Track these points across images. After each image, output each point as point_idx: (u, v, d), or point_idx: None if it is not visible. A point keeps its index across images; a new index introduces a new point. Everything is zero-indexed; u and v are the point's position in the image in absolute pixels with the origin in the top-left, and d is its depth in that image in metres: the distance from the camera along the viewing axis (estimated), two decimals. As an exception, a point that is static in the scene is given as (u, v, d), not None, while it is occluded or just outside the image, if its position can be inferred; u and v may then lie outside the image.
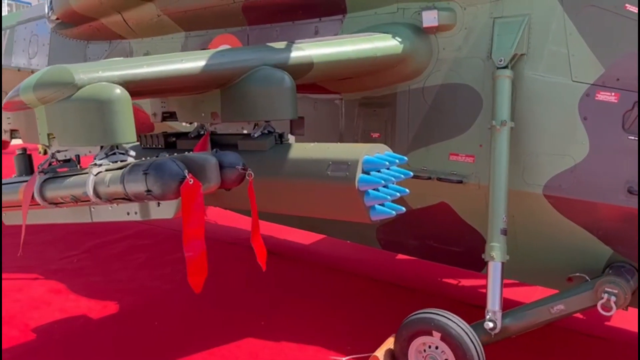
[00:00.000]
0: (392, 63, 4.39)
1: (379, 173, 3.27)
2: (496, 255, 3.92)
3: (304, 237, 7.16)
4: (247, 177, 2.97)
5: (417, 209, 4.83)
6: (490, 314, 3.92)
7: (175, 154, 2.90)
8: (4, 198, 3.35)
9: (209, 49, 5.64)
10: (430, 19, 4.34)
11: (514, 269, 4.41)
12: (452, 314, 3.88)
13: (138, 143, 4.40)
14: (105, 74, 2.96)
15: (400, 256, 6.45)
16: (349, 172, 3.19)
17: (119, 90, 2.90)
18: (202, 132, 4.11)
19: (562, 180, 3.93)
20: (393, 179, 3.29)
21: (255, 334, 4.78)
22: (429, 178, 4.52)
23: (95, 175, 2.90)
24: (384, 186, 3.32)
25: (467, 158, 4.35)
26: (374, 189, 3.22)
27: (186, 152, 3.02)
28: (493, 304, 3.92)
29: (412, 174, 3.53)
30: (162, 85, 3.28)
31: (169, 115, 4.28)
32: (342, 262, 6.65)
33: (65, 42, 7.88)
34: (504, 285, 3.95)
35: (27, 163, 3.51)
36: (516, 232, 4.35)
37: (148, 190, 2.65)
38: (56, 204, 3.13)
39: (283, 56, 3.74)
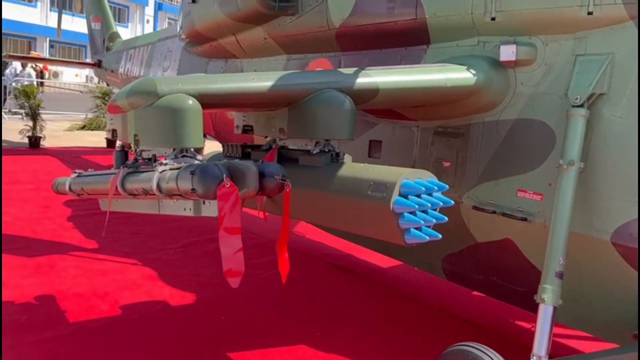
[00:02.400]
0: (465, 94, 4.48)
1: (417, 198, 3.41)
2: (547, 298, 3.81)
3: (382, 260, 7.31)
4: (285, 187, 3.29)
5: (482, 242, 4.81)
6: (535, 357, 3.80)
7: (225, 160, 3.32)
8: (98, 187, 4.04)
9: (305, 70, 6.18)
10: (507, 53, 4.38)
11: (575, 316, 4.21)
12: (494, 351, 3.83)
13: (221, 151, 4.98)
14: (184, 86, 3.50)
15: (475, 293, 6.34)
16: (386, 194, 3.38)
17: (191, 101, 3.42)
18: (272, 146, 4.54)
19: (633, 229, 3.73)
20: (430, 205, 3.40)
21: (308, 342, 5.06)
22: (494, 212, 4.50)
23: (160, 172, 3.42)
24: (424, 211, 3.45)
25: (535, 196, 4.28)
26: (410, 213, 3.37)
27: (235, 160, 3.44)
28: (539, 348, 3.80)
29: (452, 202, 3.61)
30: (233, 100, 3.76)
31: (250, 129, 4.79)
32: (409, 287, 6.71)
33: (191, 58, 8.98)
34: (556, 330, 3.82)
35: (123, 158, 4.19)
36: (581, 278, 4.16)
37: (193, 189, 3.09)
38: (133, 195, 3.72)
39: (348, 81, 4.05)
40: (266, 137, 4.86)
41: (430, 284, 6.67)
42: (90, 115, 21.97)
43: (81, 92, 30.99)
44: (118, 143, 4.25)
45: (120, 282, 6.21)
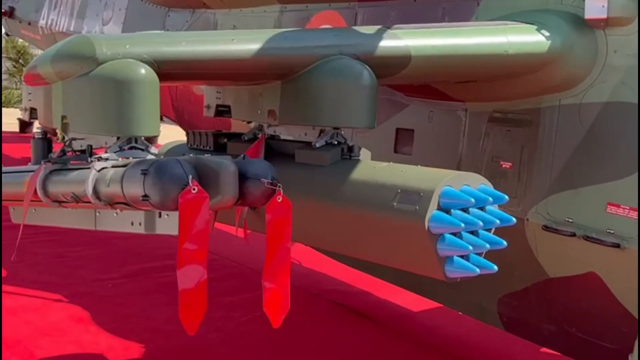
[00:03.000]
0: (534, 66, 4.52)
1: (463, 213, 3.44)
2: (648, 359, 3.85)
3: (412, 301, 7.34)
4: (275, 194, 3.33)
5: (556, 278, 4.84)
6: None
7: (191, 155, 3.36)
8: (9, 189, 4.08)
9: (307, 28, 6.23)
10: (596, 7, 4.41)
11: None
12: None
13: (184, 142, 5.02)
14: (133, 49, 3.54)
15: (545, 350, 6.37)
16: (419, 206, 3.41)
17: (144, 70, 3.46)
18: (258, 135, 4.59)
19: None
20: (483, 223, 3.44)
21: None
22: (574, 235, 4.54)
23: (98, 171, 3.46)
24: (473, 233, 3.48)
25: (632, 212, 4.30)
26: (453, 234, 3.41)
27: (206, 155, 3.48)
28: None
29: (514, 220, 3.64)
30: (203, 70, 3.80)
31: (226, 110, 4.84)
32: (450, 340, 6.72)
33: (144, 7, 9.04)
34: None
35: (45, 149, 4.24)
36: (697, 331, 4.19)
37: (145, 195, 3.13)
38: (59, 202, 3.76)
39: (368, 44, 4.08)
40: (249, 122, 4.89)
41: (481, 335, 6.68)
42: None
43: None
44: (37, 127, 4.30)
45: (37, 326, 6.23)
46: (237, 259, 8.13)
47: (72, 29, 11.62)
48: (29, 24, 14.16)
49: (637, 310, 4.40)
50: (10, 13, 15.08)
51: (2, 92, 21.59)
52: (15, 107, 20.54)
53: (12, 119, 17.79)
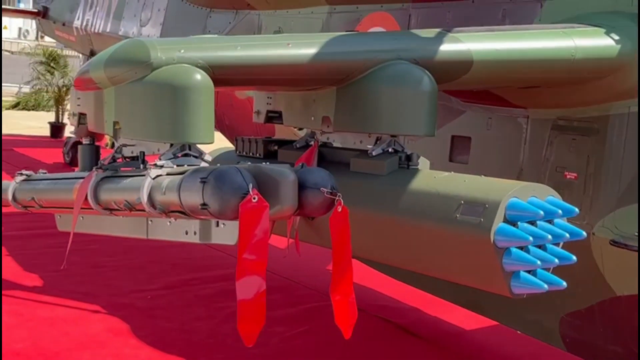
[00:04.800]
0: (603, 71, 4.54)
1: (531, 226, 3.47)
2: None
3: (465, 319, 7.33)
4: (335, 204, 3.40)
5: (624, 296, 4.82)
6: None
7: (249, 163, 3.45)
8: (57, 196, 4.22)
9: (357, 30, 6.31)
10: (670, 8, 4.42)
11: None
12: None
13: (232, 149, 5.13)
14: (188, 53, 3.65)
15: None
16: (484, 218, 3.45)
17: (199, 75, 3.56)
18: (310, 142, 4.67)
19: None
20: (552, 237, 3.46)
21: None
22: (643, 250, 4.52)
23: (153, 178, 3.57)
24: (540, 247, 3.51)
25: None
26: (520, 248, 3.44)
27: (264, 163, 3.56)
28: None
29: (584, 234, 3.65)
30: (259, 75, 3.90)
31: (277, 116, 4.93)
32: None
33: (185, 8, 9.21)
34: None
35: (93, 156, 4.37)
36: None
37: (204, 204, 3.22)
38: (111, 210, 3.88)
39: (427, 48, 4.15)
40: (301, 128, 4.97)
41: (541, 357, 6.64)
42: (26, 89, 22.56)
43: (11, 52, 31.82)
44: (70, 132, 4.39)
45: (75, 338, 6.35)
46: (280, 271, 8.19)
47: (108, 30, 11.88)
48: (64, 24, 14.49)
49: None
50: (44, 13, 15.44)
51: (33, 95, 22.03)
52: (47, 110, 20.86)
53: (43, 123, 18.16)
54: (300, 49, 3.94)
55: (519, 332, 5.92)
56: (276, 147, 4.89)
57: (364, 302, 7.88)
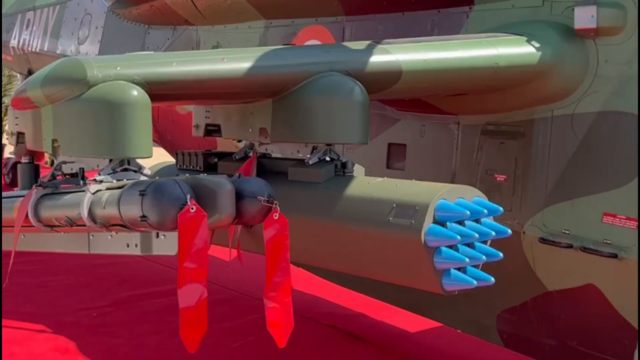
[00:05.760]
0: (525, 77, 4.76)
1: (459, 225, 3.66)
2: (651, 369, 4.05)
3: (409, 321, 7.50)
4: (272, 211, 3.53)
5: (555, 291, 5.04)
6: None
7: (187, 175, 3.56)
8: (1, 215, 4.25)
9: (293, 43, 6.46)
10: (585, 17, 4.66)
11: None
12: None
13: (173, 162, 5.22)
14: (125, 70, 3.74)
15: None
16: (415, 220, 3.62)
17: (136, 92, 3.66)
18: (249, 154, 4.79)
19: None
20: (478, 235, 3.65)
21: None
22: (571, 247, 4.75)
23: (93, 193, 3.65)
24: (469, 245, 3.70)
25: (628, 222, 4.53)
26: (449, 247, 3.62)
27: (202, 174, 3.68)
28: None
29: (509, 231, 3.85)
30: (195, 90, 4.01)
31: (216, 129, 5.04)
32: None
33: (122, 25, 9.23)
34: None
35: (32, 174, 4.42)
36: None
37: (143, 216, 3.32)
38: (52, 226, 3.93)
39: (359, 60, 4.31)
40: (239, 140, 5.09)
41: (481, 354, 6.84)
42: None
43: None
44: (9, 152, 4.43)
45: (22, 358, 6.32)
46: (225, 283, 8.25)
47: (45, 48, 11.78)
48: (-1, 44, 14.25)
49: (637, 321, 4.62)
50: (-22, 33, 15.16)
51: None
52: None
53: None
54: (235, 63, 4.07)
55: (459, 331, 6.10)
56: (216, 160, 4.99)
57: (310, 310, 8.02)
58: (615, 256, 4.53)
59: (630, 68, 4.58)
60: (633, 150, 4.52)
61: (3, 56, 14.45)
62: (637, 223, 4.49)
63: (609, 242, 4.57)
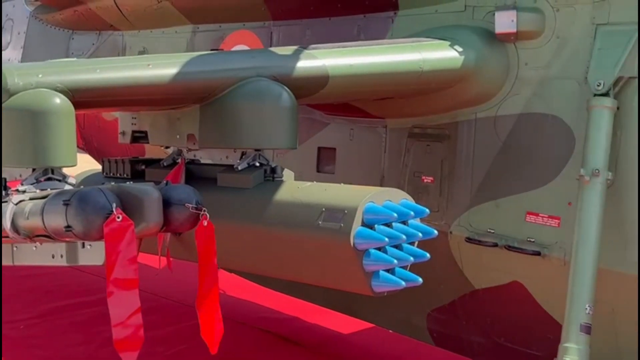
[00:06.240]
0: (449, 81, 4.87)
1: (387, 228, 3.72)
2: (571, 361, 4.19)
3: (342, 323, 7.57)
4: (200, 218, 3.52)
5: (481, 289, 5.17)
6: None
7: (113, 183, 3.52)
8: None
9: (221, 48, 6.45)
10: (505, 22, 4.79)
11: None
12: None
13: (99, 170, 5.14)
14: (47, 78, 3.67)
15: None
16: (344, 224, 3.66)
17: (58, 99, 3.59)
18: (177, 160, 4.76)
19: None
20: (406, 237, 3.72)
21: None
22: (496, 245, 4.88)
23: (16, 204, 3.56)
24: (396, 247, 3.76)
25: (550, 220, 4.68)
26: (377, 249, 3.67)
27: (128, 182, 3.64)
28: None
29: (435, 232, 3.94)
30: (120, 96, 3.96)
31: (143, 136, 4.99)
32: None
33: (46, 30, 9.01)
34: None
35: None
36: (617, 334, 4.57)
37: (68, 226, 3.26)
38: None
39: (286, 65, 4.33)
40: (167, 147, 5.05)
41: (412, 353, 6.96)
42: None
43: None
44: None
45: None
46: (157, 291, 8.17)
47: (-35, 55, 11.41)
48: None
49: (561, 317, 4.77)
50: None
51: None
52: None
53: None
54: (161, 69, 4.03)
55: (391, 331, 6.19)
56: (143, 167, 4.94)
57: (243, 315, 8.02)
58: (538, 254, 4.67)
59: (549, 70, 4.73)
60: (553, 151, 4.67)
61: None
62: (559, 222, 4.64)
63: (532, 240, 4.71)
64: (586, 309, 4.23)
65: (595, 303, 4.25)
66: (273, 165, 4.41)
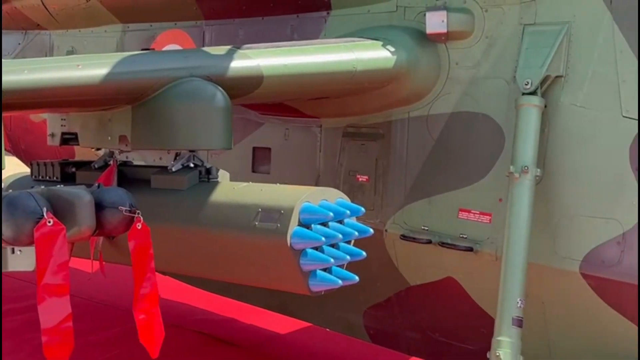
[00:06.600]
0: (381, 81, 4.92)
1: (323, 227, 3.74)
2: (504, 354, 4.28)
3: (279, 323, 7.58)
4: (134, 221, 3.47)
5: (416, 285, 5.24)
6: None
7: (42, 187, 3.44)
8: None
9: (152, 48, 6.37)
10: (436, 22, 4.87)
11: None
12: None
13: (27, 173, 5.02)
14: None
15: (413, 359, 6.78)
16: (281, 224, 3.66)
17: None
18: (109, 162, 4.68)
19: (606, 254, 4.30)
20: (342, 236, 3.75)
21: None
22: (430, 242, 4.96)
23: None
24: (333, 246, 3.78)
25: (482, 216, 4.78)
26: (314, 248, 3.69)
27: (59, 186, 3.56)
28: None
29: (371, 231, 3.98)
30: (48, 98, 3.86)
31: (73, 138, 4.88)
32: (320, 358, 7.02)
33: (-32, 29, 8.75)
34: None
35: None
36: (547, 326, 4.70)
37: None
38: None
39: (219, 64, 4.31)
40: (98, 149, 4.96)
41: (350, 351, 7.01)
42: None
43: None
44: None
45: None
46: (91, 296, 8.02)
47: None
48: None
49: (494, 311, 4.88)
50: None
51: None
52: None
53: None
54: (91, 69, 3.95)
55: (328, 330, 6.22)
56: (74, 169, 4.84)
57: (179, 318, 7.94)
58: (471, 250, 4.76)
59: (479, 70, 4.83)
60: (484, 149, 4.77)
61: None
62: (490, 218, 4.74)
63: (464, 236, 4.81)
64: (517, 302, 4.33)
65: (526, 297, 4.35)
66: (208, 166, 4.38)
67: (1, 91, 3.43)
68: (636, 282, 4.21)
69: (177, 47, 6.38)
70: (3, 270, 3.54)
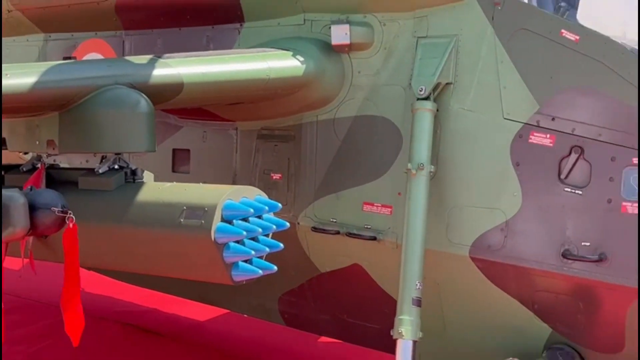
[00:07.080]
0: (292, 87, 5.02)
1: (244, 222, 3.80)
2: (406, 331, 4.46)
3: (199, 311, 7.58)
4: (67, 221, 3.44)
5: (326, 273, 5.38)
6: (396, 405, 4.42)
7: None
8: None
9: (73, 56, 6.23)
10: (340, 35, 5.01)
11: (441, 352, 4.94)
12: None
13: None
14: None
15: (323, 338, 6.92)
16: (205, 220, 3.71)
17: None
18: (37, 165, 4.58)
19: (492, 240, 4.54)
20: (262, 230, 3.82)
21: None
22: (338, 233, 5.09)
23: None
24: (253, 239, 3.85)
25: (384, 209, 4.95)
26: (236, 242, 3.75)
27: None
28: (401, 395, 4.43)
29: (287, 224, 4.08)
30: (-25, 106, 3.75)
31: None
32: (239, 343, 7.08)
33: None
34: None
35: None
36: (442, 304, 4.92)
37: None
38: None
39: (142, 73, 4.30)
40: (26, 153, 4.84)
41: (266, 335, 7.10)
42: None
43: None
44: None
45: None
46: (20, 292, 7.80)
47: None
48: None
49: (396, 293, 5.06)
50: None
51: None
52: None
53: None
54: (19, 78, 3.87)
55: (246, 315, 6.28)
56: (2, 173, 4.71)
57: (103, 310, 7.83)
58: (374, 239, 4.93)
59: (378, 78, 5.00)
60: (384, 148, 4.94)
61: None
62: (391, 210, 4.91)
63: (369, 227, 4.97)
64: (416, 284, 4.51)
65: (423, 279, 4.53)
66: (133, 168, 4.36)
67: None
68: (518, 264, 4.45)
69: (98, 55, 6.30)
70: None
